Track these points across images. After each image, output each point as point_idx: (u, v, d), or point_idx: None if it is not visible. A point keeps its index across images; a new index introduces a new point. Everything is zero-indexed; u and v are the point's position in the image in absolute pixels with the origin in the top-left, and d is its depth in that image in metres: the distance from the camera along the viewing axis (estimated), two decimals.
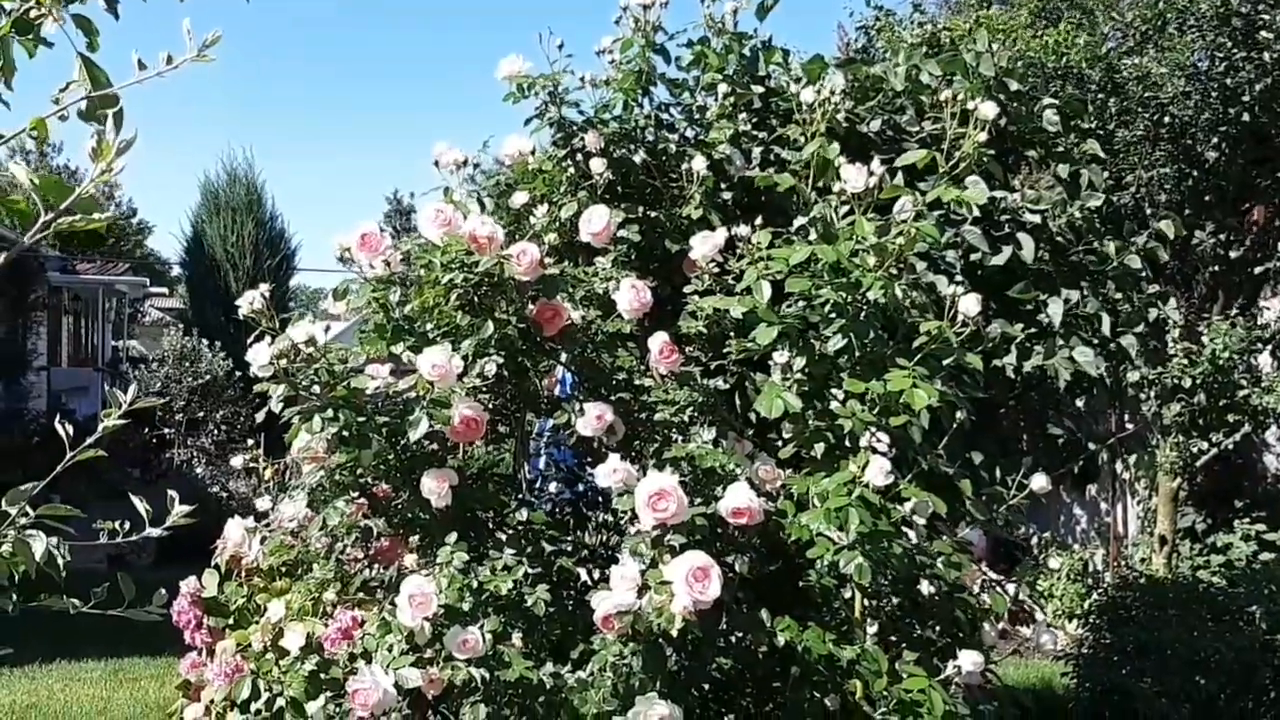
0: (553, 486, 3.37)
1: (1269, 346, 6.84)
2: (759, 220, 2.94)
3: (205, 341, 15.09)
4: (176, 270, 26.95)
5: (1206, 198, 6.75)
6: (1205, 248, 6.54)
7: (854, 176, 2.49)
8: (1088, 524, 9.30)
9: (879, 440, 2.59)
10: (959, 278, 3.15)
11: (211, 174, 18.96)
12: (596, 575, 3.27)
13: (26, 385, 14.59)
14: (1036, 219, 3.69)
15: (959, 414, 2.59)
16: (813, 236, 2.76)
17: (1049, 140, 3.99)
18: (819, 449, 2.61)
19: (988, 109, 2.64)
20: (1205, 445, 6.89)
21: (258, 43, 68.08)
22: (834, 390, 2.70)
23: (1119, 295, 3.95)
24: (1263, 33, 5.99)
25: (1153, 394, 6.63)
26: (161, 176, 66.06)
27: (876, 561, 2.58)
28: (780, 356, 2.61)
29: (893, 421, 2.54)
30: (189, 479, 12.32)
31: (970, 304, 2.50)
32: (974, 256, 3.51)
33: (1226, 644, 4.72)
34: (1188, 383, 6.06)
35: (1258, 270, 6.55)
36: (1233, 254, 6.51)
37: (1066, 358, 3.56)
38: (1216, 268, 6.52)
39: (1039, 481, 2.65)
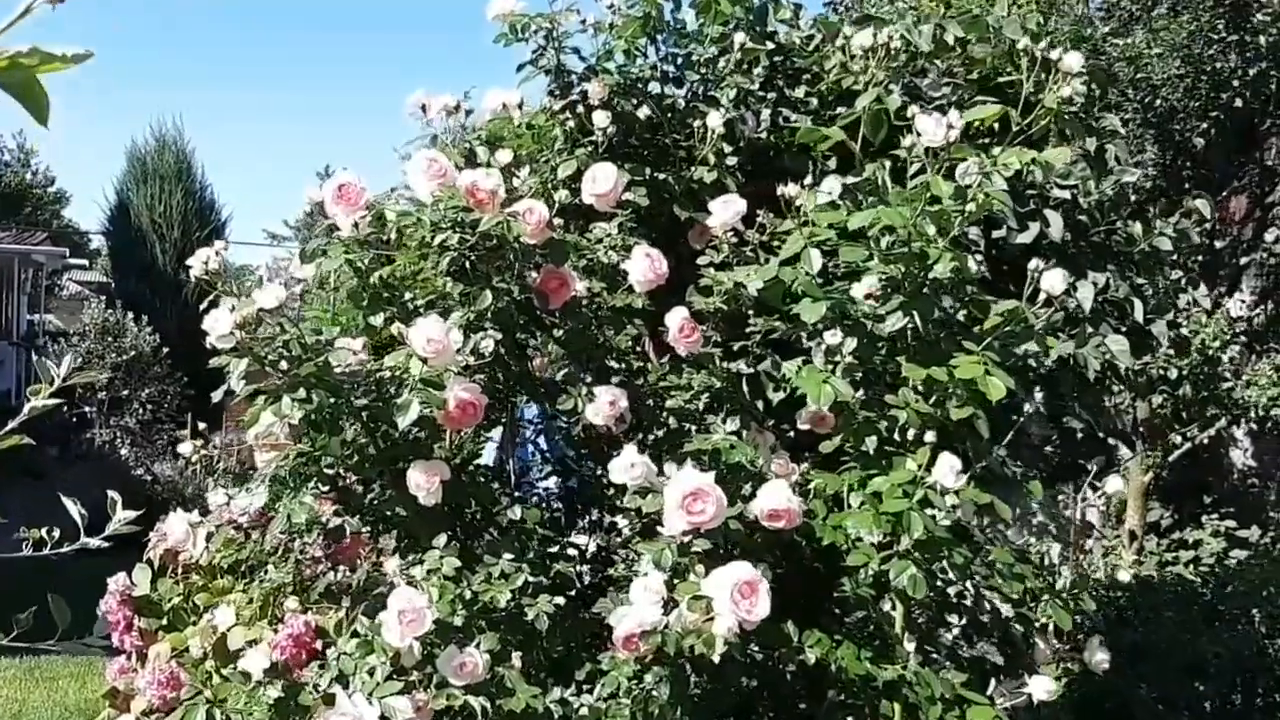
0: (551, 481, 3.00)
1: (1243, 338, 6.72)
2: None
3: (130, 315, 14.35)
4: (97, 242, 25.88)
5: (1187, 185, 6.59)
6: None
7: (930, 128, 2.15)
8: (1044, 517, 9.17)
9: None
10: (979, 255, 2.87)
11: (139, 140, 18.11)
12: (587, 580, 2.93)
13: None
14: (1066, 195, 3.40)
15: (1027, 406, 2.28)
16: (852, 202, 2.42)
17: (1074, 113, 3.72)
18: (870, 443, 2.28)
19: (1073, 60, 2.32)
20: (1178, 440, 6.75)
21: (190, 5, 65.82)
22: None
23: (1142, 280, 3.70)
24: (1259, 15, 5.82)
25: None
26: (80, 145, 63.62)
27: (929, 572, 2.27)
28: (832, 337, 2.27)
29: (956, 414, 2.22)
30: (111, 461, 11.66)
31: (1055, 280, 2.19)
32: (995, 234, 3.23)
33: (1225, 647, 4.53)
34: (1174, 374, 5.89)
35: (1243, 261, 6.42)
36: (1218, 244, 6.36)
37: (1097, 346, 3.27)
38: (1201, 258, 6.36)
39: (1114, 484, 2.35)
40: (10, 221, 22.31)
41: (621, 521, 2.96)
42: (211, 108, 62.16)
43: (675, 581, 2.16)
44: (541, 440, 3.14)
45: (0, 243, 18.23)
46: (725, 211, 2.69)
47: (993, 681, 2.45)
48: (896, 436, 2.36)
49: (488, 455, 3.15)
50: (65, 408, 13.30)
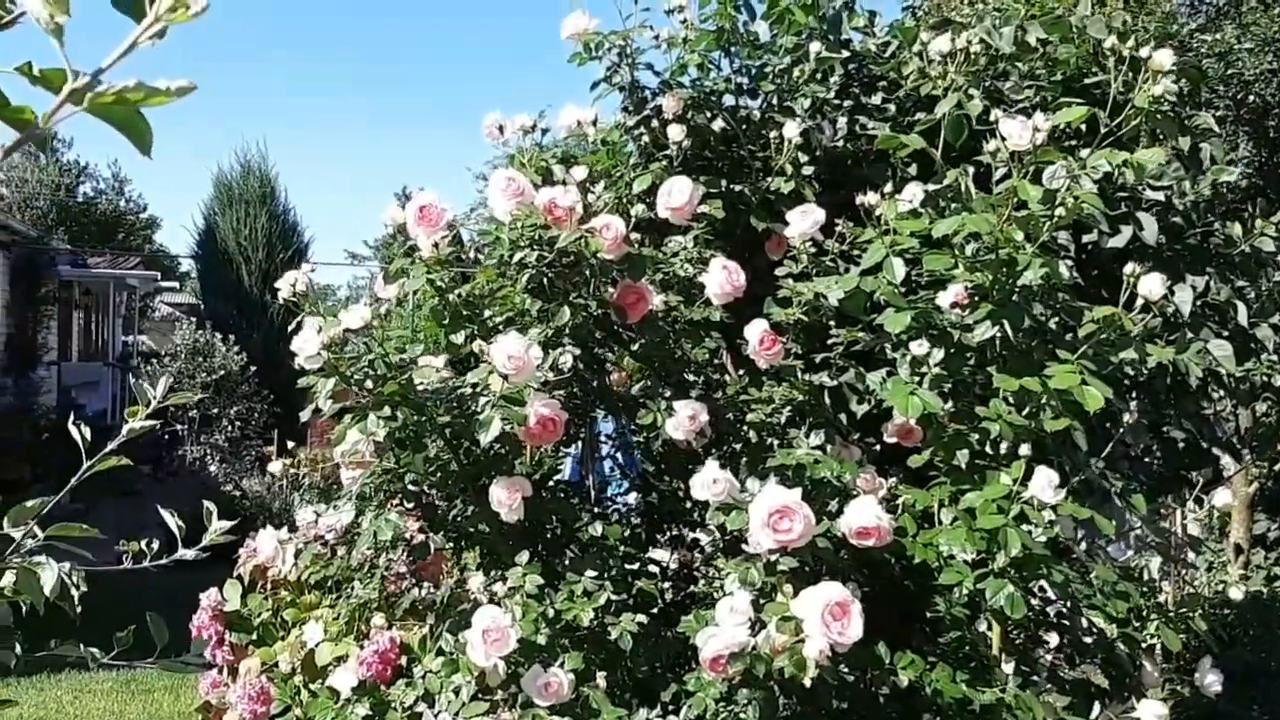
0: (632, 497, 2.98)
1: None
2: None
3: (219, 336, 14.74)
4: (186, 265, 26.66)
5: None
6: None
7: (1016, 132, 2.09)
8: (1149, 531, 8.86)
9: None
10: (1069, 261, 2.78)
11: (224, 166, 18.59)
12: (669, 597, 2.89)
13: (36, 380, 14.27)
14: (1159, 196, 3.28)
15: (1125, 416, 2.20)
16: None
17: (1165, 112, 3.60)
18: (961, 457, 2.21)
19: (1163, 57, 2.23)
20: None
21: (268, 34, 67.66)
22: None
23: (1243, 282, 3.55)
24: None
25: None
26: (169, 170, 65.60)
27: (1027, 591, 2.20)
28: (918, 347, 2.21)
29: (1051, 425, 2.15)
30: (201, 477, 11.96)
31: (1154, 284, 2.10)
32: (1085, 238, 3.13)
33: None
34: (1279, 380, 5.64)
35: None
36: None
37: (1199, 352, 3.15)
38: None
39: (1223, 497, 2.25)
40: (105, 247, 23.14)
41: (703, 538, 2.92)
42: (292, 129, 63.72)
43: (762, 601, 2.12)
44: (619, 455, 3.12)
45: (96, 268, 18.89)
46: (804, 221, 2.65)
47: (1097, 705, 2.35)
48: (988, 450, 2.29)
49: (566, 471, 3.15)
50: (158, 426, 13.71)
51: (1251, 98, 5.79)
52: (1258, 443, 5.74)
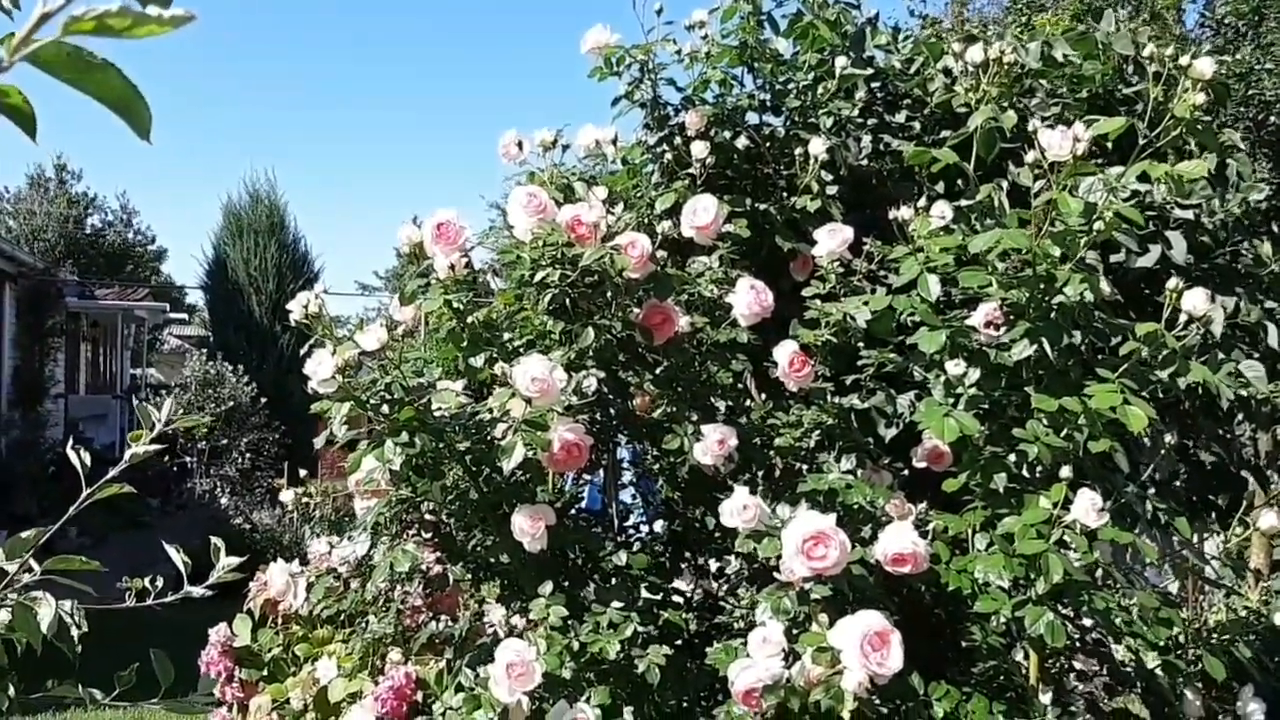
0: (658, 525, 2.89)
1: None
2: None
3: (229, 366, 14.70)
4: (194, 296, 26.71)
5: None
6: None
7: (1056, 142, 2.02)
8: (1189, 554, 8.73)
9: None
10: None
11: (233, 195, 18.63)
12: (693, 628, 2.81)
13: (43, 413, 14.23)
14: (1188, 215, 3.21)
15: (1168, 437, 2.11)
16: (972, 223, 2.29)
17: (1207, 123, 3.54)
18: (999, 481, 2.13)
19: (1204, 65, 2.17)
20: None
21: (276, 63, 68.25)
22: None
23: (1273, 303, 3.47)
24: None
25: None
26: (175, 199, 65.91)
27: (1066, 618, 2.11)
28: (954, 367, 2.13)
29: (1095, 446, 2.06)
30: (211, 510, 11.87)
31: (1198, 300, 2.03)
32: (1114, 258, 3.06)
33: None
34: None
35: None
36: None
37: (1230, 374, 3.06)
38: None
39: (1268, 520, 2.17)
40: (114, 279, 23.18)
41: (729, 567, 2.84)
42: (301, 161, 64.13)
43: (795, 632, 2.03)
44: (639, 483, 3.04)
45: (104, 299, 18.90)
46: (832, 240, 2.58)
47: None
48: (1025, 473, 2.21)
49: (585, 499, 3.06)
50: (166, 457, 13.65)
51: (1272, 118, 5.73)
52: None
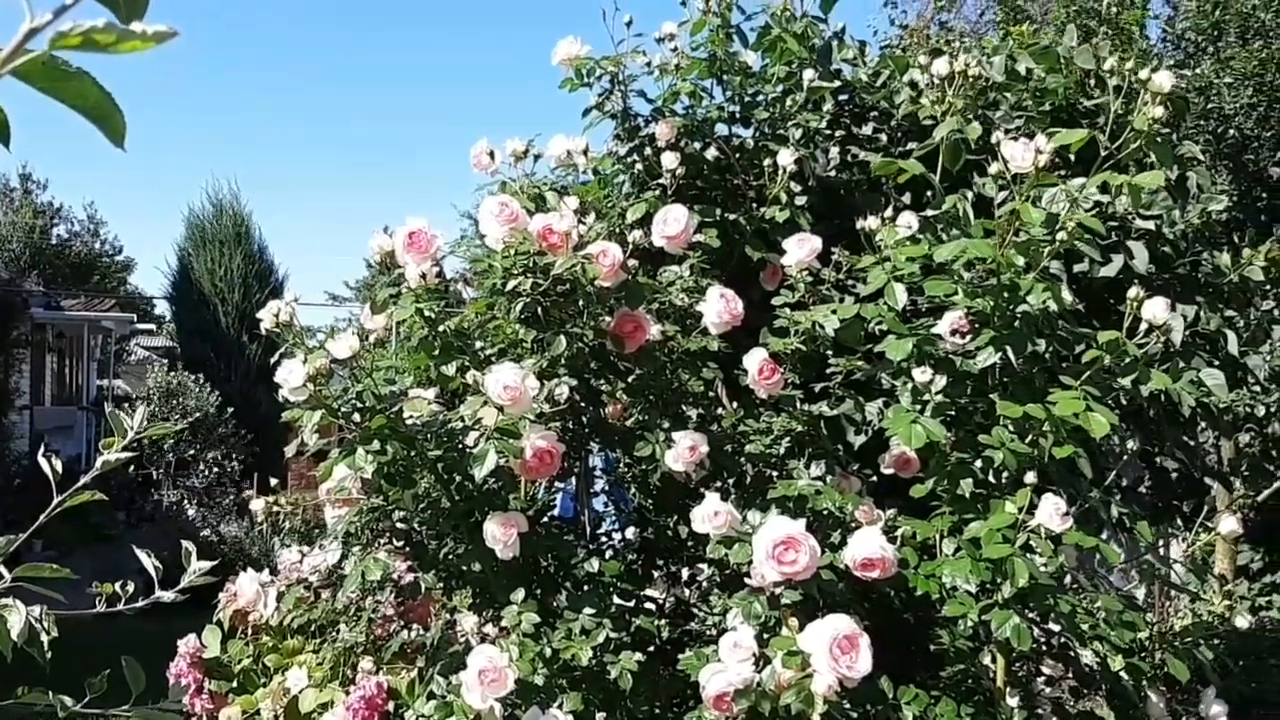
0: (630, 532, 2.90)
1: None
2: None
3: (193, 377, 14.55)
4: (161, 306, 26.45)
5: (1263, 216, 6.38)
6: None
7: (1019, 154, 2.06)
8: (1154, 560, 8.83)
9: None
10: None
11: (196, 205, 18.43)
12: (665, 634, 2.82)
13: (8, 425, 14.03)
14: (1150, 225, 3.28)
15: (1130, 443, 2.16)
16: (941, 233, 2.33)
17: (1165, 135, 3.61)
18: (966, 486, 2.16)
19: (1162, 79, 2.22)
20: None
21: (238, 70, 67.78)
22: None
23: (1232, 311, 3.55)
24: None
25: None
26: (139, 209, 65.17)
27: (1032, 622, 2.14)
28: (921, 374, 2.17)
29: (1059, 452, 2.10)
30: (179, 522, 11.75)
31: (1158, 309, 2.07)
32: (1077, 267, 3.12)
33: None
34: (1261, 410, 5.65)
35: None
36: None
37: (1191, 381, 3.12)
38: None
39: (1229, 525, 2.21)
40: (80, 290, 22.91)
41: (701, 574, 2.86)
42: (266, 171, 63.64)
43: (766, 636, 2.05)
44: (611, 490, 3.06)
45: (70, 310, 18.68)
46: (800, 250, 2.61)
47: None
48: (991, 479, 2.25)
49: (558, 507, 3.07)
50: (132, 468, 13.50)
51: (1231, 131, 5.84)
52: (1249, 472, 5.72)
